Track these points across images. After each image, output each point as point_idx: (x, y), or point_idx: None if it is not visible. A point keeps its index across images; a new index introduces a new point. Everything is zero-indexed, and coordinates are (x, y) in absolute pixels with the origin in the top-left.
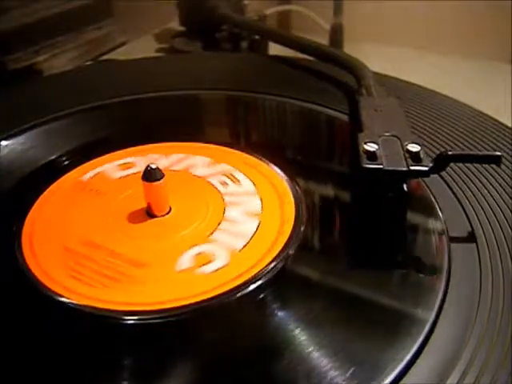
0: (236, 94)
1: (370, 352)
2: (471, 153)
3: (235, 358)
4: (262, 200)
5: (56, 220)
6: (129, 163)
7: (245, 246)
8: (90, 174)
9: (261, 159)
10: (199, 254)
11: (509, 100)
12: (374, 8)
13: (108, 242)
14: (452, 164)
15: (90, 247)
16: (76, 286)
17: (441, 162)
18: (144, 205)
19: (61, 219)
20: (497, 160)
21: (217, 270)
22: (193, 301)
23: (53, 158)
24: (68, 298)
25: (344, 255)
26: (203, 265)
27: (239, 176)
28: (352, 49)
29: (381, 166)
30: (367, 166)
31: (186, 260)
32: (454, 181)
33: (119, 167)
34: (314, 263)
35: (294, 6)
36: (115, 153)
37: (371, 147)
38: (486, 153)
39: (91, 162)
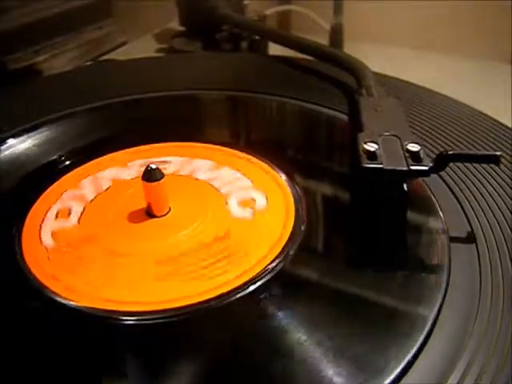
0: (236, 94)
1: (370, 352)
2: (471, 153)
3: (235, 358)
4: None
5: (56, 220)
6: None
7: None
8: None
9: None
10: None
11: (509, 100)
12: (373, 8)
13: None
14: (452, 164)
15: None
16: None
17: (441, 162)
18: (144, 205)
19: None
20: (496, 160)
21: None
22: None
23: (53, 158)
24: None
25: (344, 255)
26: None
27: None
28: (352, 49)
29: (381, 166)
30: (367, 165)
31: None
32: (454, 181)
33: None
34: (314, 263)
35: (294, 6)
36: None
37: (371, 147)
38: (486, 153)
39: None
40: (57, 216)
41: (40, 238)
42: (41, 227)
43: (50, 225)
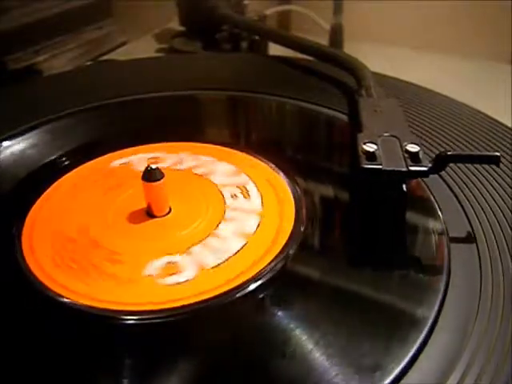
0: (236, 94)
1: (370, 352)
2: (470, 153)
3: (235, 358)
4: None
5: (56, 220)
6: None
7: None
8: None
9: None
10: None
11: (509, 100)
12: (373, 8)
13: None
14: (452, 164)
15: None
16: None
17: (440, 163)
18: (144, 205)
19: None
20: (495, 160)
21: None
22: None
23: (53, 158)
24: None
25: (344, 255)
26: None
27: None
28: (352, 49)
29: (380, 167)
30: (366, 166)
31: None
32: (454, 181)
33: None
34: (313, 263)
35: (294, 6)
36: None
37: (370, 147)
38: (485, 153)
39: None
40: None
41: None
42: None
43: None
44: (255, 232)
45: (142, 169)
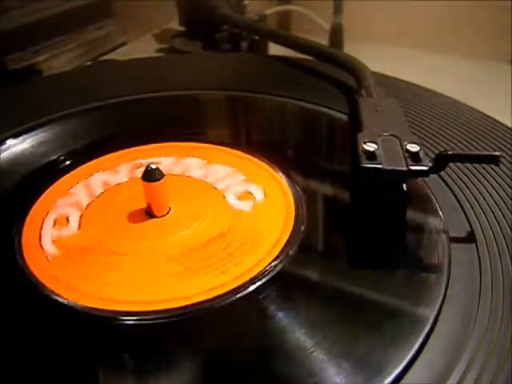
0: (236, 94)
1: (370, 352)
2: (470, 153)
3: (235, 359)
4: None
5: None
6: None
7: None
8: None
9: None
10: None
11: (509, 100)
12: (373, 8)
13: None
14: (452, 164)
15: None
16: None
17: (440, 162)
18: (144, 205)
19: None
20: (495, 160)
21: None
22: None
23: (53, 158)
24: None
25: (344, 255)
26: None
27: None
28: (352, 49)
29: (380, 166)
30: (366, 165)
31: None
32: (454, 181)
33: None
34: (314, 263)
35: (294, 6)
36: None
37: (370, 147)
38: (485, 153)
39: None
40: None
41: (40, 240)
42: (41, 228)
43: (50, 231)
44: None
45: (142, 169)
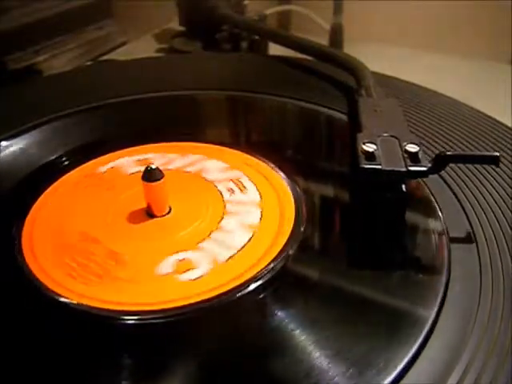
0: (236, 94)
1: (370, 352)
2: (469, 153)
3: (235, 359)
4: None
5: (56, 220)
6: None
7: (245, 245)
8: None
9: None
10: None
11: (509, 100)
12: (373, 8)
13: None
14: (452, 164)
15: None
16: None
17: (439, 163)
18: (144, 205)
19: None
20: (495, 161)
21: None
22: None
23: (53, 158)
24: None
25: (344, 255)
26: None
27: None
28: (352, 49)
29: (379, 167)
30: (365, 166)
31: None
32: (454, 181)
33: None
34: (313, 263)
35: (294, 6)
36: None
37: (369, 147)
38: (484, 153)
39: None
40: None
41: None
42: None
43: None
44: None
45: (142, 169)
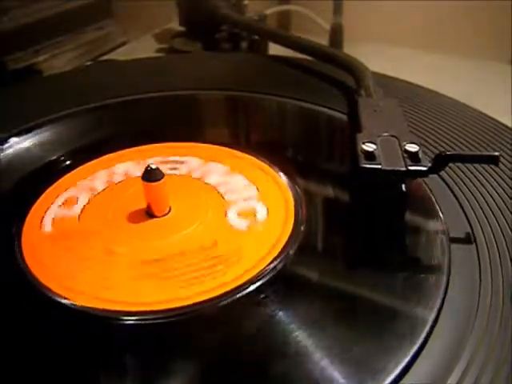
0: (236, 94)
1: (370, 352)
2: (469, 153)
3: (235, 359)
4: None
5: (56, 220)
6: (130, 163)
7: (246, 245)
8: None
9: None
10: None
11: (509, 100)
12: (374, 8)
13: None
14: (452, 164)
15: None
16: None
17: (439, 162)
18: (144, 205)
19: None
20: (495, 160)
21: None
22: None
23: (53, 158)
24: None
25: (344, 255)
26: (204, 265)
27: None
28: (352, 49)
29: (379, 166)
30: (365, 165)
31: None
32: (454, 181)
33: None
34: (314, 263)
35: (294, 6)
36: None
37: (369, 147)
38: (484, 153)
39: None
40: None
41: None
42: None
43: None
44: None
45: (142, 169)
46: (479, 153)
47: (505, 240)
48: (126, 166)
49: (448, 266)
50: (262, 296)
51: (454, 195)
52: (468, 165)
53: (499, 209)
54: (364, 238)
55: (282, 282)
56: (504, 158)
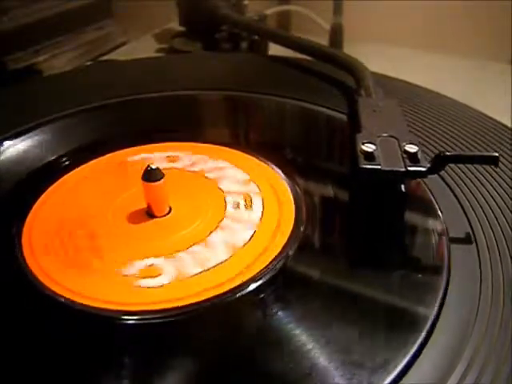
0: (236, 94)
1: (370, 352)
2: (468, 153)
3: (235, 358)
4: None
5: (56, 220)
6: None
7: (245, 245)
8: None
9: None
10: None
11: (509, 100)
12: (374, 8)
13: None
14: (452, 164)
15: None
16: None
17: (438, 163)
18: (144, 205)
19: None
20: (494, 161)
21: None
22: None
23: (53, 158)
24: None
25: (343, 255)
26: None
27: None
28: (352, 49)
29: (378, 167)
30: (364, 166)
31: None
32: (454, 181)
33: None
34: (313, 263)
35: (294, 6)
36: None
37: (369, 148)
38: (484, 153)
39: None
40: None
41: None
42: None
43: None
44: (244, 245)
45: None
46: (479, 153)
47: (505, 240)
48: (123, 165)
49: (448, 266)
50: (262, 295)
51: (454, 195)
52: (468, 165)
53: (499, 209)
54: (364, 238)
55: (282, 281)
56: (504, 158)
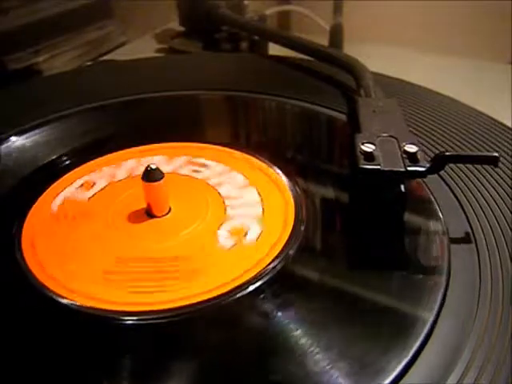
0: (236, 94)
1: (370, 352)
2: (468, 153)
3: (235, 359)
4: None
5: (56, 220)
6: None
7: (246, 245)
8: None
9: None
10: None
11: (509, 100)
12: (374, 8)
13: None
14: (452, 164)
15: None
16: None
17: (438, 163)
18: (144, 205)
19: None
20: (494, 161)
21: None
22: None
23: (53, 158)
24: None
25: (344, 256)
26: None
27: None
28: (352, 49)
29: (378, 167)
30: (364, 166)
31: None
32: (454, 181)
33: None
34: (314, 264)
35: (294, 6)
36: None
37: (368, 148)
38: (483, 154)
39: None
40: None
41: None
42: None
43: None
44: (244, 245)
45: (142, 169)
46: (478, 153)
47: (504, 240)
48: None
49: (448, 266)
50: (262, 296)
51: (454, 195)
52: (468, 165)
53: (499, 209)
54: (364, 238)
55: (282, 282)
56: (504, 158)
